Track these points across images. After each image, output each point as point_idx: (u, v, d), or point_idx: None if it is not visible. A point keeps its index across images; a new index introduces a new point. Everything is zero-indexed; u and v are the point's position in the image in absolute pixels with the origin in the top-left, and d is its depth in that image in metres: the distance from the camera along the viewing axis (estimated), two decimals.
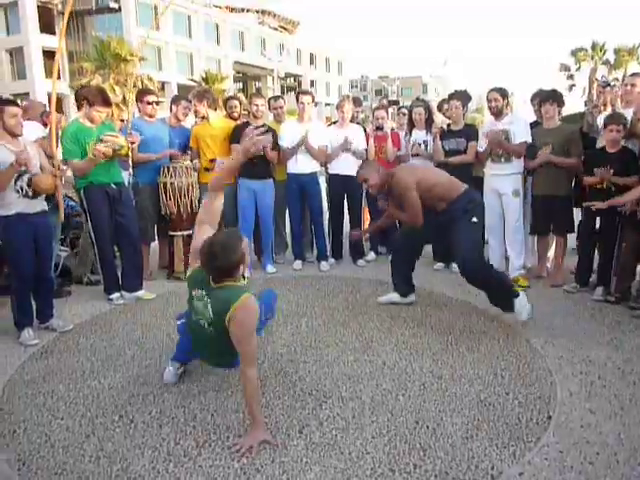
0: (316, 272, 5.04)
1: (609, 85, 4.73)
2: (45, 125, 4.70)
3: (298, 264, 5.21)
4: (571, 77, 35.41)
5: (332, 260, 5.30)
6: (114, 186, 4.07)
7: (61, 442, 2.34)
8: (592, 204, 3.90)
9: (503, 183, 4.50)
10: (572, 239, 4.66)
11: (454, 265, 4.39)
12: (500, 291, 3.58)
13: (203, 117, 5.06)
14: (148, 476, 2.11)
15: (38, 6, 30.99)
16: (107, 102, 4.03)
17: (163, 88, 30.65)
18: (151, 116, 4.75)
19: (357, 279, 4.77)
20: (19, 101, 4.15)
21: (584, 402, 2.60)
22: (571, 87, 33.72)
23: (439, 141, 4.89)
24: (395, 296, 4.04)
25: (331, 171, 5.23)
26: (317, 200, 5.12)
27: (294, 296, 4.32)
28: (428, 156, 4.96)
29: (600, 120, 4.34)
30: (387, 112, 5.48)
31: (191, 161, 4.85)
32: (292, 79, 46.07)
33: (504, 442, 2.28)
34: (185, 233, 4.79)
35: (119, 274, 4.29)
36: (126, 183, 4.52)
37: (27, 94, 29.06)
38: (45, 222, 3.53)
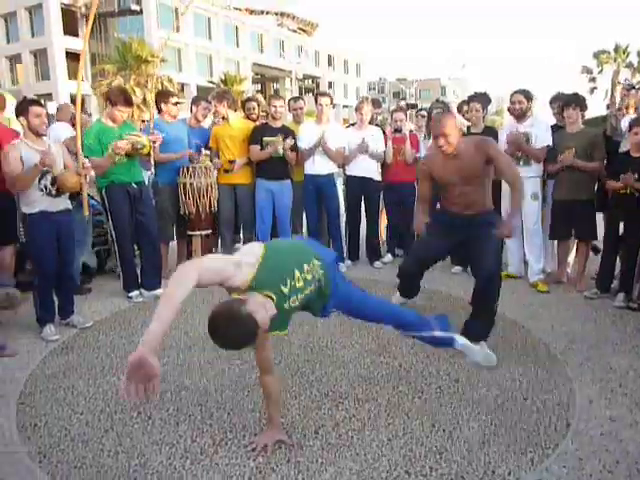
0: None
1: (634, 88, 4.66)
2: (74, 126, 4.81)
3: None
4: (593, 80, 34.88)
5: (349, 262, 5.30)
6: (135, 185, 4.14)
7: (81, 436, 2.38)
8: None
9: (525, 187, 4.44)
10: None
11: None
12: (490, 316, 3.23)
13: (223, 117, 5.10)
14: (165, 472, 2.13)
15: (62, 8, 31.52)
16: (129, 102, 4.11)
17: (183, 89, 30.92)
18: (175, 117, 4.82)
19: (374, 281, 4.75)
20: (42, 101, 4.24)
21: (604, 410, 2.56)
22: (593, 90, 33.25)
23: None
24: (398, 297, 3.86)
25: (349, 172, 5.23)
26: (334, 202, 5.12)
27: None
28: None
29: (624, 123, 4.27)
30: (405, 114, 5.47)
31: (211, 161, 4.90)
32: (310, 81, 46.16)
33: (522, 448, 2.25)
34: (203, 233, 4.84)
35: (138, 272, 4.35)
36: (147, 183, 4.58)
37: (50, 95, 29.60)
38: (68, 220, 3.59)
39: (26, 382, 2.90)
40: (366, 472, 2.12)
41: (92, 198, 5.00)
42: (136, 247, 4.42)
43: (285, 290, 2.01)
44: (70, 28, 31.98)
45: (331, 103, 5.16)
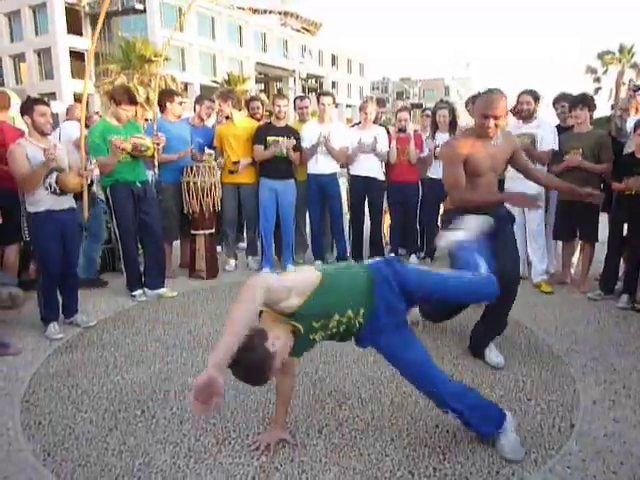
0: None
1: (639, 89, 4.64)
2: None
3: (318, 264, 5.21)
4: (597, 80, 34.77)
5: (352, 261, 5.29)
6: (139, 184, 4.15)
7: (85, 435, 2.39)
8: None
9: (525, 187, 4.43)
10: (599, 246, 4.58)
11: None
12: (503, 320, 3.16)
13: (227, 117, 5.11)
14: (169, 471, 2.14)
15: (66, 8, 31.62)
16: (133, 100, 4.12)
17: (186, 89, 30.98)
18: (179, 116, 4.83)
19: None
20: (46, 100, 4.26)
21: (608, 411, 2.55)
22: (597, 90, 33.13)
23: None
24: (416, 313, 3.53)
25: (352, 172, 5.23)
26: (337, 201, 5.13)
27: None
28: None
29: (629, 124, 4.25)
30: (410, 114, 5.46)
31: (215, 160, 4.90)
32: (314, 80, 46.16)
33: (525, 449, 2.24)
34: (207, 232, 4.85)
35: (142, 271, 4.36)
36: (149, 182, 4.59)
37: (54, 94, 29.71)
38: (72, 219, 3.59)
39: (30, 381, 2.91)
40: (370, 472, 2.12)
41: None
42: (140, 246, 4.43)
43: (316, 325, 1.98)
44: (74, 27, 32.09)
45: (333, 102, 5.17)
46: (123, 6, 33.46)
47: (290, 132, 4.89)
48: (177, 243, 5.25)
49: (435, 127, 5.13)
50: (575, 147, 4.23)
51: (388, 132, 5.24)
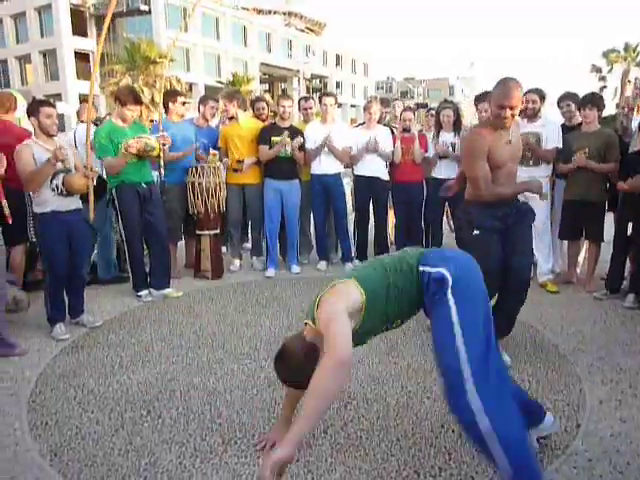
0: (341, 273, 5.03)
1: None
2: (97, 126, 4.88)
3: (323, 265, 5.23)
4: (603, 79, 34.62)
5: (357, 261, 5.29)
6: (145, 185, 4.16)
7: (91, 435, 2.40)
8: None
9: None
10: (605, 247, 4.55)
11: None
12: (511, 322, 3.09)
13: (231, 117, 5.12)
14: (175, 471, 2.15)
15: (70, 9, 31.77)
16: (138, 100, 4.14)
17: (191, 89, 31.04)
18: (182, 116, 4.84)
19: None
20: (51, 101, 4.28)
21: (614, 411, 2.54)
22: (602, 89, 32.99)
23: None
24: None
25: (357, 172, 5.23)
26: (341, 201, 5.13)
27: None
28: (455, 157, 4.92)
29: (635, 123, 4.23)
30: (414, 114, 5.45)
31: (220, 160, 4.91)
32: (318, 80, 46.19)
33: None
34: (212, 232, 4.86)
35: (147, 272, 4.38)
36: (155, 182, 4.61)
37: (59, 95, 29.85)
38: (79, 220, 3.61)
39: (37, 381, 2.93)
40: (375, 472, 2.12)
41: None
42: (145, 246, 4.44)
43: (367, 339, 2.12)
44: (79, 28, 32.23)
45: (336, 103, 5.17)
46: (128, 7, 33.56)
47: (295, 132, 4.90)
48: (182, 243, 5.27)
49: (439, 126, 5.12)
50: (583, 146, 4.21)
51: (392, 132, 5.24)
